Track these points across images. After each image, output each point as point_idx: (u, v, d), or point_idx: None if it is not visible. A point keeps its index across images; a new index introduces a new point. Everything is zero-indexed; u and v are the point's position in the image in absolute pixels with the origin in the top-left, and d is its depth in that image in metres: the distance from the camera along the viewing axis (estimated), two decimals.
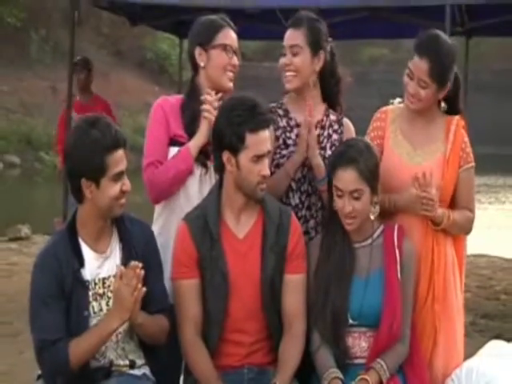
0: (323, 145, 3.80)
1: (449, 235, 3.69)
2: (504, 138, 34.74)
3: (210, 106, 3.65)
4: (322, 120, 3.83)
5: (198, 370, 3.40)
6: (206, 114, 3.65)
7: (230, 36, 3.77)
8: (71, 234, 3.35)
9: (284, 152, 3.76)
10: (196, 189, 3.72)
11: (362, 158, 3.44)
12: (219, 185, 3.51)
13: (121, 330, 3.31)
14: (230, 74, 3.76)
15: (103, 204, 3.28)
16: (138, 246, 3.39)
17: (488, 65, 35.52)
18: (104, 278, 3.34)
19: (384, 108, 3.82)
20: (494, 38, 23.72)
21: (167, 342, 3.40)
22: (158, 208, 3.82)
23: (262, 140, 3.39)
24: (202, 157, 3.69)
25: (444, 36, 3.68)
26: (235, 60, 3.77)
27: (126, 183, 3.30)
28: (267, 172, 3.42)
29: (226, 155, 3.39)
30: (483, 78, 30.22)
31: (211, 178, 3.72)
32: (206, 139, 3.66)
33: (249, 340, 3.45)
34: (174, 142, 3.71)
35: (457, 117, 3.74)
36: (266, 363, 3.47)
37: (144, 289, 3.15)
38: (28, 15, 29.20)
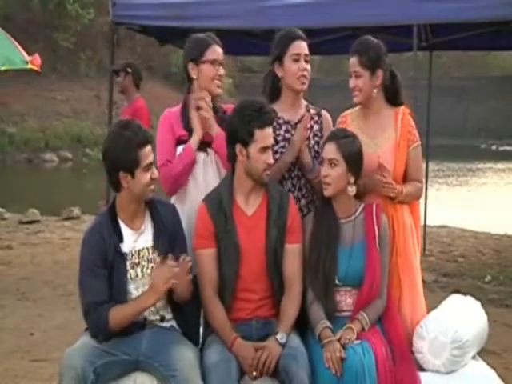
0: (307, 135, 3.74)
1: (405, 205, 3.69)
2: (462, 132, 34.67)
3: (203, 102, 3.64)
4: (304, 115, 3.76)
5: (215, 322, 3.38)
6: (200, 108, 3.64)
7: (216, 52, 3.72)
8: (112, 215, 3.34)
9: (275, 147, 3.64)
10: (201, 171, 3.69)
11: (344, 139, 3.47)
12: (231, 172, 3.48)
13: None
14: (218, 82, 3.72)
15: (138, 190, 3.27)
16: (167, 223, 3.37)
17: (448, 72, 35.37)
18: (139, 250, 3.32)
19: (344, 113, 3.81)
20: (452, 52, 23.66)
21: (190, 301, 3.38)
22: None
23: (268, 135, 3.37)
24: (203, 146, 3.67)
25: (370, 38, 3.68)
26: (221, 71, 3.72)
27: (155, 172, 3.30)
28: (271, 161, 3.41)
29: (238, 147, 3.37)
30: (444, 83, 30.07)
31: (212, 161, 3.70)
32: (201, 133, 3.65)
33: (256, 297, 3.44)
34: (179, 141, 3.69)
35: (402, 107, 3.73)
36: (270, 316, 3.45)
37: (176, 282, 3.17)
38: (78, 39, 29.23)
